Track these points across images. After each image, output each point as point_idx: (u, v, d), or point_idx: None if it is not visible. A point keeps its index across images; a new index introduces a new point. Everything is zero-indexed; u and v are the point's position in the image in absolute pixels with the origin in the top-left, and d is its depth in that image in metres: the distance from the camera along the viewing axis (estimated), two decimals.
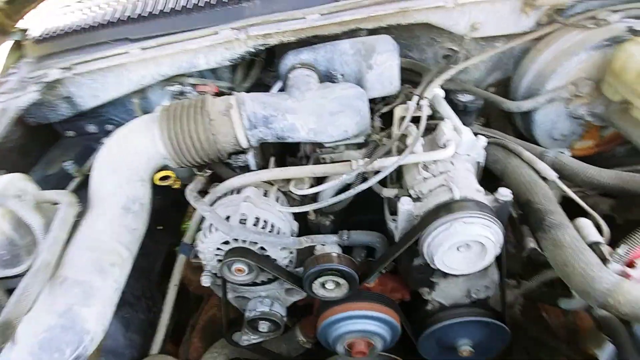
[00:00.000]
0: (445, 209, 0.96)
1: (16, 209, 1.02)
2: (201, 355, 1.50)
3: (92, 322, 0.88)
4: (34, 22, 1.74)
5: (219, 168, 1.31)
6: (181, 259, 1.29)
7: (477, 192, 1.01)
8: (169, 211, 1.79)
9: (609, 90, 1.25)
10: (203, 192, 1.28)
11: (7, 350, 0.76)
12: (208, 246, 1.10)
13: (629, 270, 0.93)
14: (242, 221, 1.06)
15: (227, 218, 1.06)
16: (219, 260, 1.14)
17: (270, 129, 1.19)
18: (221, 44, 1.44)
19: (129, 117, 1.81)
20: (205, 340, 1.58)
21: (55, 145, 1.84)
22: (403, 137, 1.18)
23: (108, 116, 1.80)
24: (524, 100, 1.35)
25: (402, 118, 1.14)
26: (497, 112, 1.61)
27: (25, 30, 1.72)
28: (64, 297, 0.87)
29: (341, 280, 1.08)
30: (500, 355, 1.36)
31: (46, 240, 0.96)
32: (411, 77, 1.50)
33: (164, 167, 1.27)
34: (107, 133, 1.81)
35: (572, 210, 1.08)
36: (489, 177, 1.22)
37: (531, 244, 1.03)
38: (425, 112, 1.09)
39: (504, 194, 0.99)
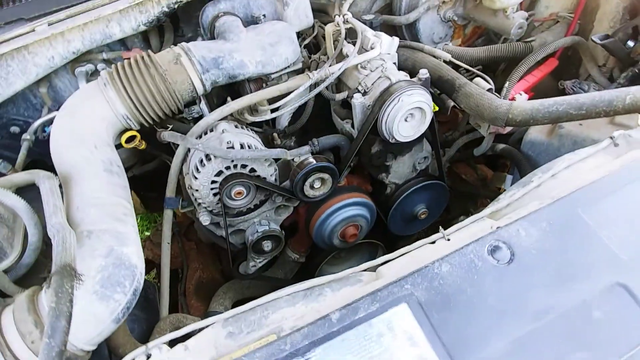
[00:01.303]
0: (391, 90, 1.22)
1: None
2: (204, 312, 1.56)
3: (135, 258, 0.91)
4: None
5: (174, 123, 1.36)
6: (168, 216, 1.32)
7: (405, 76, 1.30)
8: None
9: None
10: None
11: (77, 290, 0.77)
12: (203, 181, 1.19)
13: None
14: (230, 148, 1.17)
15: None
16: (215, 194, 1.23)
17: (222, 69, 1.29)
18: (135, 6, 1.44)
19: (36, 114, 1.67)
20: (202, 299, 1.63)
21: None
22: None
23: (9, 117, 1.63)
24: (410, 13, 1.69)
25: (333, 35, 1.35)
26: (387, 30, 1.95)
27: None
28: (99, 243, 0.88)
29: (325, 175, 1.29)
30: (444, 214, 1.75)
31: (45, 211, 0.94)
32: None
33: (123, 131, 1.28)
34: (14, 136, 1.64)
35: None
36: None
37: (451, 103, 1.37)
38: (358, 24, 1.32)
39: (423, 73, 1.30)
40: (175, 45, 1.70)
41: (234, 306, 1.59)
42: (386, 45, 1.33)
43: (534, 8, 1.70)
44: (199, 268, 1.75)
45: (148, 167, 1.84)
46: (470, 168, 1.89)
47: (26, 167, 1.52)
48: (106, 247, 0.88)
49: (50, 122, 1.57)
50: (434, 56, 1.49)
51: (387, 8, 1.96)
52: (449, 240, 0.87)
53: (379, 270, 0.86)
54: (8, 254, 1.02)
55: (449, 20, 1.78)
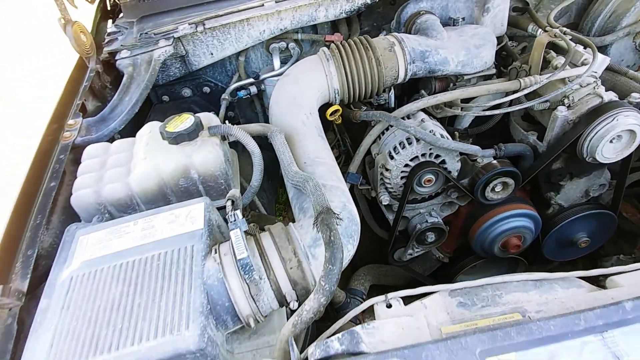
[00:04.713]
0: (605, 108, 1.20)
1: (239, 136, 1.11)
2: (346, 289, 1.64)
3: (358, 217, 1.00)
4: None
5: (362, 107, 1.46)
6: None
7: (615, 96, 1.26)
8: None
9: None
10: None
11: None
12: (398, 163, 1.26)
13: None
14: None
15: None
16: (402, 178, 1.30)
17: (426, 62, 1.36)
18: None
19: (225, 79, 1.88)
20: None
21: (152, 110, 1.86)
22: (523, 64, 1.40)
23: (205, 78, 1.85)
24: (606, 35, 1.63)
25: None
26: None
27: None
28: (334, 196, 0.99)
29: (509, 181, 1.29)
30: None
31: (283, 160, 1.07)
32: None
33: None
34: (204, 96, 1.87)
35: None
36: None
37: None
38: (569, 39, 1.32)
39: (636, 97, 1.26)
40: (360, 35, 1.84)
41: (369, 291, 1.65)
42: (598, 62, 1.30)
43: None
44: None
45: None
46: (632, 207, 1.77)
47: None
48: (340, 202, 0.98)
49: (242, 87, 1.77)
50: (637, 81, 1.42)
51: (568, 27, 1.91)
52: None
53: (612, 279, 0.85)
54: (224, 195, 1.16)
55: None
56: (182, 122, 1.07)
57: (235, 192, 0.96)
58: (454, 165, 1.30)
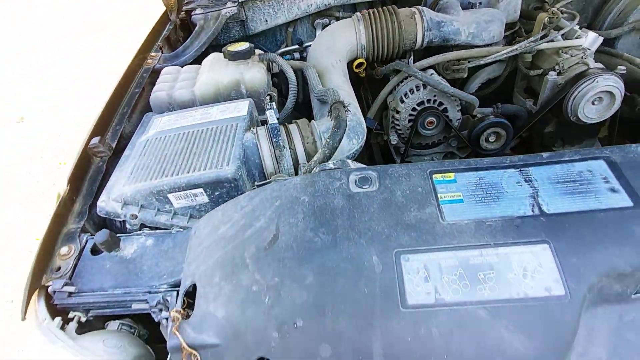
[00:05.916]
0: (588, 72, 1.41)
1: (282, 64, 1.42)
2: None
3: (364, 125, 1.27)
4: None
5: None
6: None
7: (602, 66, 1.46)
8: None
9: None
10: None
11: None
12: (407, 106, 1.52)
13: None
14: None
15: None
16: (409, 121, 1.55)
17: (441, 31, 1.63)
18: None
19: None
20: None
21: None
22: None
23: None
24: (612, 29, 1.83)
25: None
26: None
27: None
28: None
29: (502, 131, 1.51)
30: None
31: (312, 83, 1.37)
32: None
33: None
34: None
35: None
36: None
37: None
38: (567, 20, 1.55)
39: (621, 68, 1.45)
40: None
41: None
42: (590, 39, 1.52)
43: None
44: None
45: None
46: None
47: None
48: (351, 112, 1.26)
49: (287, 53, 2.10)
50: (634, 64, 1.60)
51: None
52: None
53: None
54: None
55: None
56: (240, 45, 1.41)
57: (272, 93, 1.26)
58: (454, 114, 1.53)
